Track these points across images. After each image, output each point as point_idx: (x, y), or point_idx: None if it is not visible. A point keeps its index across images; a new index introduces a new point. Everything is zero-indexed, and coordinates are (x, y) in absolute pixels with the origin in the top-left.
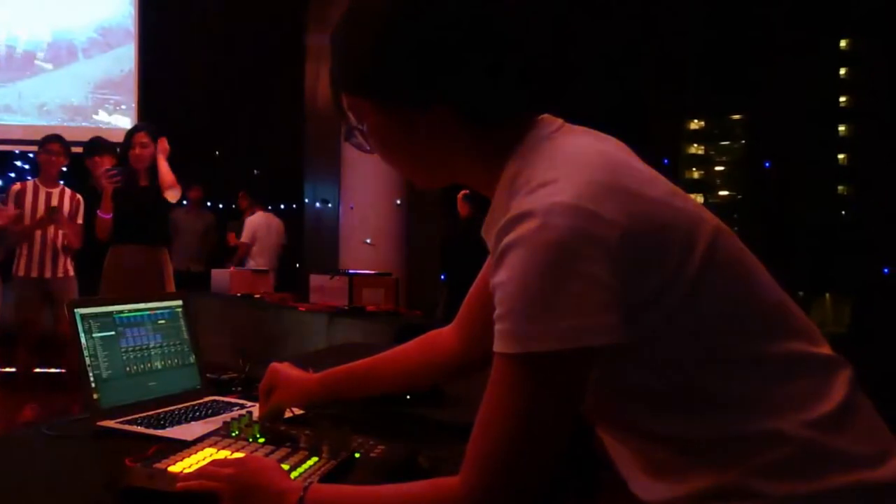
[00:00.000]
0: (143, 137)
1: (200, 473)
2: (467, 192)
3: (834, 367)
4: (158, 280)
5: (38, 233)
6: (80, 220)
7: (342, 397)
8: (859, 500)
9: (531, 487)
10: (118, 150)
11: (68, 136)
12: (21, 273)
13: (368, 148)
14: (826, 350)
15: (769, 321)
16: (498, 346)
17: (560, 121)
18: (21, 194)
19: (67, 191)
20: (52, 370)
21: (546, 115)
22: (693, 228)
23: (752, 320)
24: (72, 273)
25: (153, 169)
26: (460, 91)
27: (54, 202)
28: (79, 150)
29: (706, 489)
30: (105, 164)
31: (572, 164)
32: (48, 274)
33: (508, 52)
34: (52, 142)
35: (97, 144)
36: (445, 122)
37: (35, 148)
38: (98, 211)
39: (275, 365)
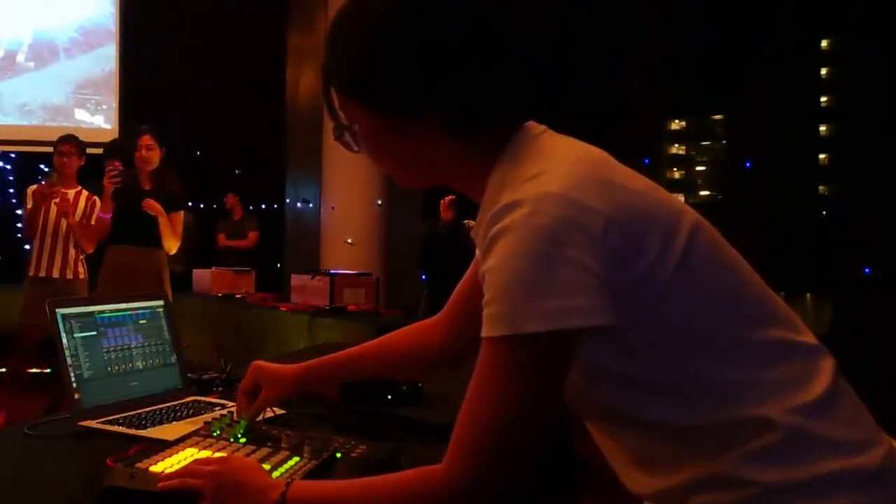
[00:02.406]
0: (148, 140)
1: (182, 472)
2: (453, 197)
3: (818, 355)
4: (156, 281)
5: (50, 231)
6: (94, 223)
7: (328, 385)
8: (846, 487)
9: (517, 473)
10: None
11: (49, 136)
12: (31, 273)
13: (357, 148)
14: (810, 339)
15: (752, 309)
16: (486, 331)
17: (543, 126)
18: (38, 194)
19: (84, 192)
20: (45, 371)
21: (530, 122)
22: (674, 218)
23: (735, 308)
24: (82, 276)
25: (156, 172)
26: (456, 98)
27: (69, 202)
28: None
29: (697, 479)
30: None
31: (559, 159)
32: (57, 274)
33: (506, 57)
34: (64, 142)
35: (117, 147)
36: (438, 128)
37: (15, 148)
38: (97, 211)
39: (258, 363)
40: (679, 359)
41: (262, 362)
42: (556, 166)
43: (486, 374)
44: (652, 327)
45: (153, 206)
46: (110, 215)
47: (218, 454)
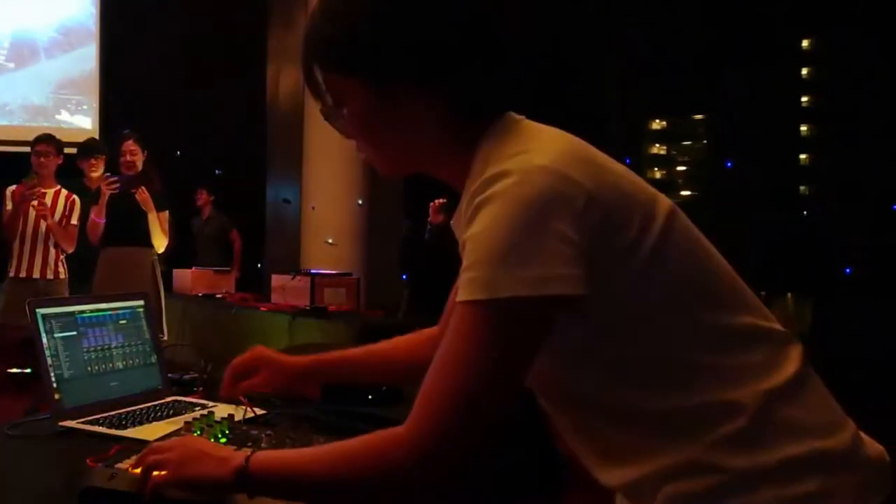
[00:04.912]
0: (131, 145)
1: (143, 453)
2: (444, 201)
3: (787, 341)
4: (150, 280)
5: (31, 232)
6: (74, 222)
7: (330, 381)
8: (814, 470)
9: (480, 441)
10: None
11: (29, 137)
12: (12, 273)
13: (345, 129)
14: (777, 326)
15: (724, 295)
16: (463, 295)
17: (521, 115)
18: (17, 196)
19: (63, 191)
20: (25, 371)
21: (509, 111)
22: (652, 202)
23: (708, 293)
24: (63, 276)
25: (141, 175)
26: (458, 76)
27: (48, 202)
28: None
29: (668, 467)
30: (99, 165)
31: (543, 138)
32: (38, 274)
33: (508, 41)
34: (41, 142)
35: (91, 147)
36: (434, 108)
37: None
38: (92, 215)
39: (261, 348)
40: (651, 341)
41: (265, 349)
42: (542, 144)
43: (459, 339)
44: (626, 308)
45: (146, 199)
46: (104, 220)
47: None
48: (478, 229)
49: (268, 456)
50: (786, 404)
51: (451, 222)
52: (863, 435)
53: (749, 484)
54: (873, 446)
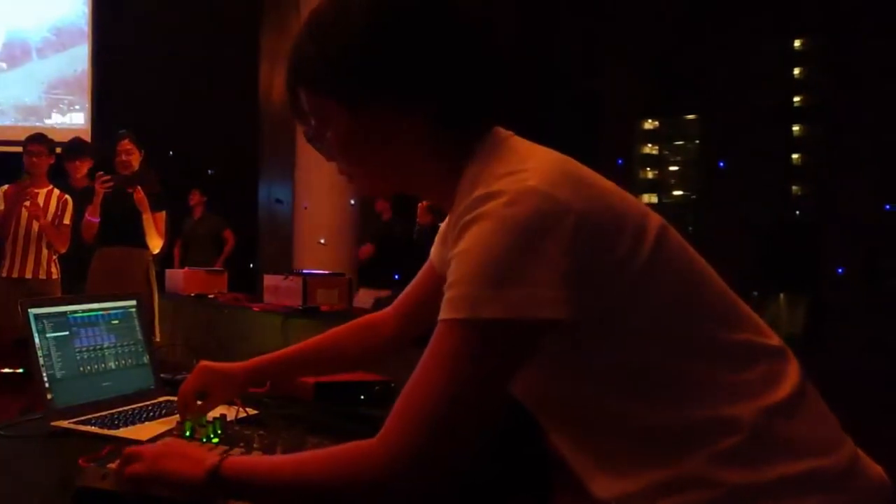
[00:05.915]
0: (127, 145)
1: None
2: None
3: (784, 357)
4: (144, 281)
5: (23, 232)
6: (66, 222)
7: (275, 381)
8: (812, 489)
9: (454, 460)
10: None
11: (21, 137)
12: (4, 274)
13: (328, 152)
14: (775, 341)
15: (719, 310)
16: (445, 313)
17: (510, 132)
18: (9, 196)
19: (55, 191)
20: (17, 371)
21: (496, 127)
22: (643, 219)
23: (702, 308)
24: (55, 276)
25: (137, 175)
26: (443, 93)
27: (41, 202)
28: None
29: (664, 481)
30: (84, 166)
31: (532, 158)
32: (29, 274)
33: (495, 53)
34: (33, 142)
35: (77, 147)
36: (420, 128)
37: None
38: (86, 214)
39: (205, 364)
40: (646, 356)
41: (209, 363)
42: (532, 164)
43: (437, 356)
44: (621, 323)
45: (142, 199)
46: (98, 219)
47: None
48: (465, 247)
49: (242, 459)
50: (784, 421)
51: (435, 246)
52: (861, 454)
53: (745, 500)
54: (872, 466)
